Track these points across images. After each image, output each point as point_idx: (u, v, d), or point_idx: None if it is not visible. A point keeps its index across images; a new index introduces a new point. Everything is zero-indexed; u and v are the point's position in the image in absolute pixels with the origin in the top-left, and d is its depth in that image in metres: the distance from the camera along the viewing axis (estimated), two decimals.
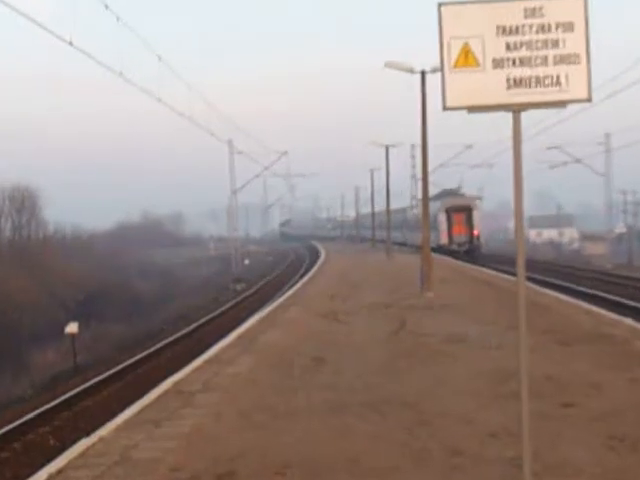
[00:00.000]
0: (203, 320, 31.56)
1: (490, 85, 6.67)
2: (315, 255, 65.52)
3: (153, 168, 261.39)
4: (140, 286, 57.27)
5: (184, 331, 28.47)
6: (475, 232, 55.21)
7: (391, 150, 51.79)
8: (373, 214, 72.43)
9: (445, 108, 6.80)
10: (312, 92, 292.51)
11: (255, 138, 54.37)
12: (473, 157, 64.99)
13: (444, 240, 54.19)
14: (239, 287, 49.06)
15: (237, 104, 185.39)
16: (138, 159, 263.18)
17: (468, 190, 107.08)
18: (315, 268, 43.85)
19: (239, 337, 16.35)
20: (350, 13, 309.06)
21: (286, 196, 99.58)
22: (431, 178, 28.65)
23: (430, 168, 27.14)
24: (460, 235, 54.70)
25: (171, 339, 26.51)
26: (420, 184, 30.50)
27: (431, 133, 26.09)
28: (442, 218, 54.43)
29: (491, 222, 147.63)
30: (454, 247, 53.63)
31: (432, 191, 57.98)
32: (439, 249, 50.35)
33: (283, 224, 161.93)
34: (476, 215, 55.63)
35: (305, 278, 36.09)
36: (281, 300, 25.43)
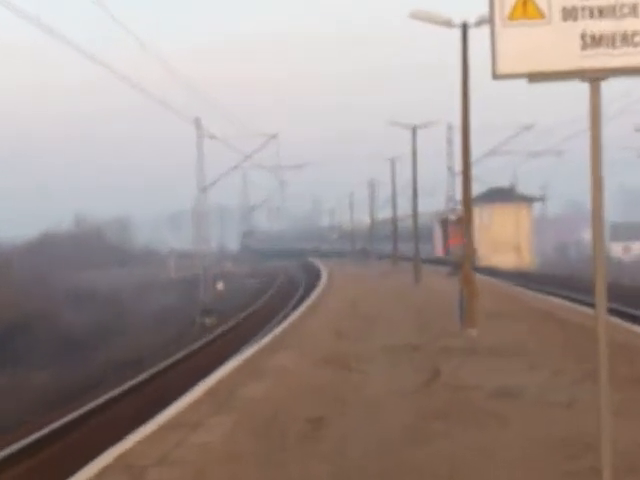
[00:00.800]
0: (160, 366, 31.43)
1: (558, 44, 6.61)
2: (314, 277, 65.46)
3: (94, 161, 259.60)
4: (74, 319, 57.14)
5: (134, 381, 28.28)
6: None
7: (420, 133, 51.59)
8: (395, 220, 72.07)
9: (496, 76, 6.76)
10: (312, 58, 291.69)
11: (234, 117, 53.60)
12: (534, 142, 64.40)
13: (440, 252, 73.97)
14: (209, 322, 48.98)
15: (209, 73, 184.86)
16: (73, 149, 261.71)
17: (526, 188, 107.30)
18: (314, 295, 43.83)
19: (210, 392, 16.27)
20: None
21: (275, 195, 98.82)
22: (475, 171, 28.71)
23: (474, 157, 27.15)
24: (456, 247, 68.05)
25: (116, 392, 26.28)
26: (459, 180, 30.44)
27: (476, 110, 26.49)
28: (438, 230, 73.76)
29: (560, 231, 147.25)
30: (450, 258, 66.89)
31: (477, 189, 59.04)
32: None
33: (246, 235, 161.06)
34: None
35: (301, 309, 36.09)
36: (268, 340, 25.31)
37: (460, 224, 62.84)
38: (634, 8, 6.55)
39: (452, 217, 71.71)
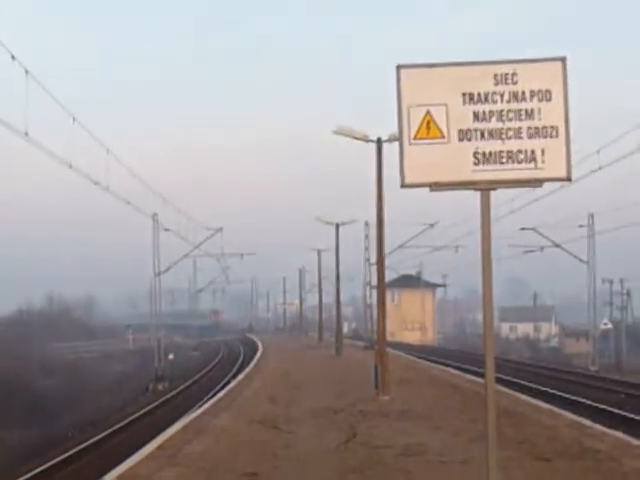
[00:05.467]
0: (117, 426, 30.84)
1: (455, 160, 6.73)
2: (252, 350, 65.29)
3: (63, 247, 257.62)
4: (43, 385, 56.42)
5: (93, 440, 27.51)
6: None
7: (343, 229, 52.09)
8: (320, 303, 72.06)
9: (403, 185, 6.86)
10: (250, 163, 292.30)
11: (185, 213, 53.75)
12: (436, 238, 65.14)
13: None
14: (161, 387, 48.68)
15: (162, 174, 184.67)
16: (41, 236, 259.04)
17: (430, 276, 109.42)
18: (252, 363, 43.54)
19: (160, 447, 15.93)
20: (297, 75, 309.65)
21: (219, 279, 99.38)
22: (388, 261, 28.83)
23: (387, 250, 27.31)
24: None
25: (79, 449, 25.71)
26: (375, 268, 30.50)
27: (389, 210, 26.32)
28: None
29: (458, 311, 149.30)
30: None
31: (389, 276, 59.40)
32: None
33: None
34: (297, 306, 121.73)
35: (238, 378, 35.85)
36: (210, 405, 24.83)
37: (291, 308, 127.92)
38: (518, 132, 6.72)
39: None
